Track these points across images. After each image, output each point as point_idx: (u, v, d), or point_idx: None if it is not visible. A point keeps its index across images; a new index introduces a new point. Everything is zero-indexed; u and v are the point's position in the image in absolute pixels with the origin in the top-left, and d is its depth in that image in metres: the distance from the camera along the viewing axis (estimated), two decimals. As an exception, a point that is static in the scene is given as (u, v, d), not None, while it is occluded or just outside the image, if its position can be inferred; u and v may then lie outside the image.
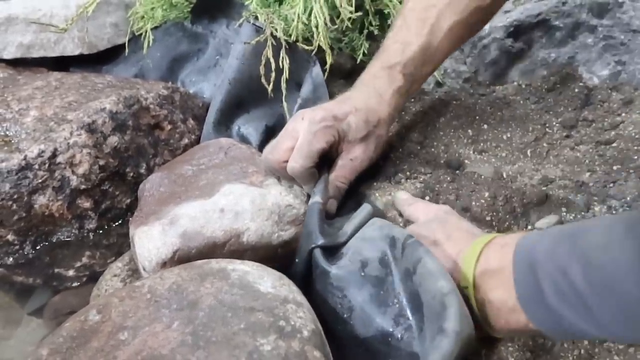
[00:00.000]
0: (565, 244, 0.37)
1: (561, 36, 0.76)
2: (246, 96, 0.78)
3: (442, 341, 0.36)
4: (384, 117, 0.63)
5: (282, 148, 0.58)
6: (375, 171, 0.67)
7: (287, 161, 0.58)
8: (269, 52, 0.71)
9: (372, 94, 0.63)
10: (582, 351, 0.44)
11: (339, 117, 0.59)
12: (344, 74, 0.87)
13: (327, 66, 0.77)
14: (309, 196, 0.60)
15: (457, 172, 0.66)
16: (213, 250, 0.54)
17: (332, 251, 0.52)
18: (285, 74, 0.73)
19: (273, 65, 0.72)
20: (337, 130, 0.59)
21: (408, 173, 0.66)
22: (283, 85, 0.73)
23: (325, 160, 0.61)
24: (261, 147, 0.74)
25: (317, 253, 0.51)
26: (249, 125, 0.78)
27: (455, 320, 0.38)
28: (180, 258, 0.53)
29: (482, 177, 0.62)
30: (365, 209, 0.56)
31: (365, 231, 0.52)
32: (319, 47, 0.76)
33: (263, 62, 0.72)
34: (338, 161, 0.61)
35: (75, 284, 0.64)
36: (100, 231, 0.67)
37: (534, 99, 0.74)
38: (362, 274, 0.47)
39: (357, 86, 0.65)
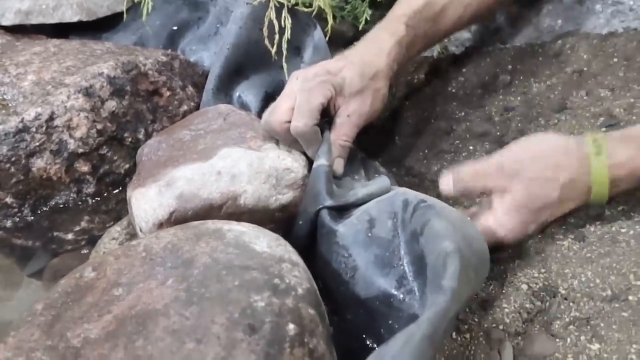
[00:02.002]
0: None
1: (569, 2, 0.74)
2: (245, 62, 0.77)
3: (439, 297, 0.35)
4: (382, 69, 0.60)
5: (281, 109, 0.57)
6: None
7: (288, 122, 0.56)
8: (271, 13, 0.70)
9: (370, 46, 0.62)
10: (578, 313, 0.43)
11: (332, 72, 0.58)
12: (345, 42, 0.85)
13: (328, 27, 0.75)
14: (308, 160, 0.59)
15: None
16: (210, 212, 0.53)
17: (340, 212, 0.52)
18: (287, 34, 0.71)
19: (276, 27, 0.70)
20: (332, 84, 0.57)
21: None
22: (284, 46, 0.72)
23: (325, 121, 0.60)
24: (261, 113, 0.73)
25: (324, 213, 0.51)
26: (248, 92, 0.77)
27: (453, 279, 0.37)
28: (176, 219, 0.52)
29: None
30: (383, 181, 0.54)
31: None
32: (318, 11, 0.74)
33: (266, 23, 0.71)
34: (336, 120, 0.59)
35: (74, 248, 0.64)
36: (99, 197, 0.67)
37: (539, 67, 0.73)
38: (369, 234, 0.47)
39: (356, 43, 0.64)
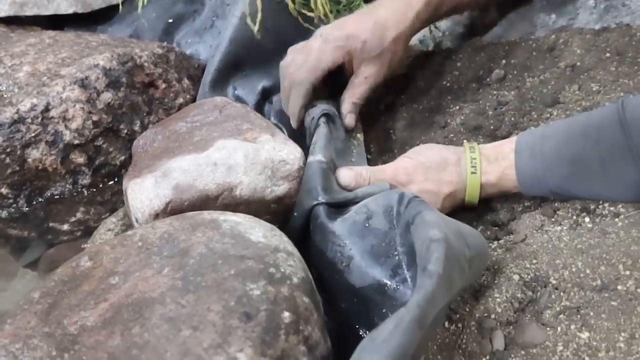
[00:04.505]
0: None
1: (563, -3, 0.75)
2: (244, 57, 0.78)
3: (425, 281, 0.36)
4: (404, 31, 0.63)
5: (296, 62, 0.63)
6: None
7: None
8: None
9: (400, 5, 0.63)
10: (568, 303, 0.44)
11: (353, 35, 0.62)
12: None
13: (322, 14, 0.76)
14: (304, 152, 0.60)
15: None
16: (206, 203, 0.54)
17: (337, 208, 0.53)
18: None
19: (259, 7, 0.71)
20: (349, 50, 0.62)
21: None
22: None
23: (336, 83, 0.64)
24: (256, 107, 0.74)
25: (319, 209, 0.52)
26: (245, 86, 0.77)
27: (438, 264, 0.38)
28: (172, 210, 0.53)
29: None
30: (383, 185, 0.55)
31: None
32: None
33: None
34: (354, 79, 0.64)
35: (69, 238, 0.65)
36: (94, 188, 0.67)
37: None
38: (367, 225, 0.48)
39: None
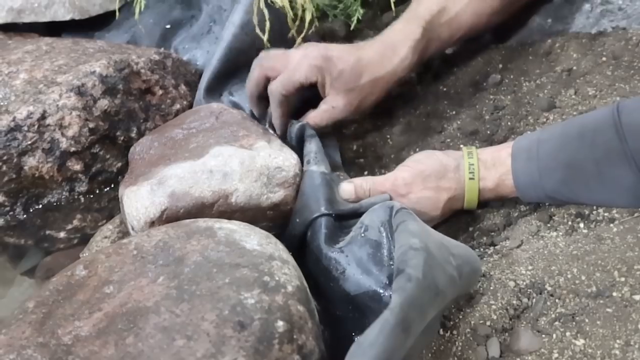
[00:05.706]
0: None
1: (559, 1, 0.75)
2: (242, 65, 0.77)
3: (405, 285, 0.36)
4: (383, 76, 0.64)
5: (275, 68, 0.64)
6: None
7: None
8: (260, 2, 0.70)
9: (386, 50, 0.64)
10: (564, 309, 0.44)
11: (333, 60, 0.62)
12: (337, 41, 0.85)
13: (306, 23, 0.75)
14: (300, 158, 0.60)
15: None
16: (202, 210, 0.54)
17: (341, 220, 0.53)
18: (292, 29, 0.73)
19: (267, 16, 0.71)
20: (323, 72, 0.62)
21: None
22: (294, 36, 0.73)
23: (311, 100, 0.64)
24: (252, 114, 0.74)
25: (322, 221, 0.52)
26: (242, 92, 0.77)
27: (417, 270, 0.38)
28: (168, 218, 0.53)
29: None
30: (384, 196, 0.56)
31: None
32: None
33: (255, 11, 0.71)
34: (322, 105, 0.64)
35: (66, 246, 0.65)
36: (91, 195, 0.68)
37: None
38: (363, 235, 0.48)
39: (377, 38, 0.66)
